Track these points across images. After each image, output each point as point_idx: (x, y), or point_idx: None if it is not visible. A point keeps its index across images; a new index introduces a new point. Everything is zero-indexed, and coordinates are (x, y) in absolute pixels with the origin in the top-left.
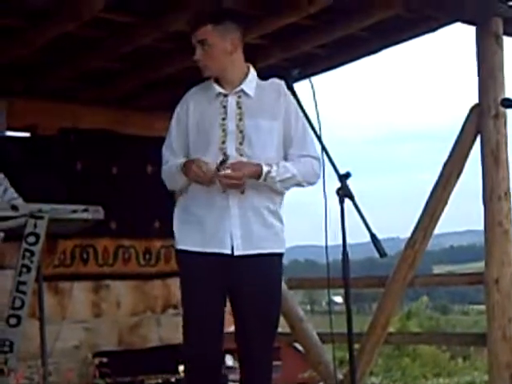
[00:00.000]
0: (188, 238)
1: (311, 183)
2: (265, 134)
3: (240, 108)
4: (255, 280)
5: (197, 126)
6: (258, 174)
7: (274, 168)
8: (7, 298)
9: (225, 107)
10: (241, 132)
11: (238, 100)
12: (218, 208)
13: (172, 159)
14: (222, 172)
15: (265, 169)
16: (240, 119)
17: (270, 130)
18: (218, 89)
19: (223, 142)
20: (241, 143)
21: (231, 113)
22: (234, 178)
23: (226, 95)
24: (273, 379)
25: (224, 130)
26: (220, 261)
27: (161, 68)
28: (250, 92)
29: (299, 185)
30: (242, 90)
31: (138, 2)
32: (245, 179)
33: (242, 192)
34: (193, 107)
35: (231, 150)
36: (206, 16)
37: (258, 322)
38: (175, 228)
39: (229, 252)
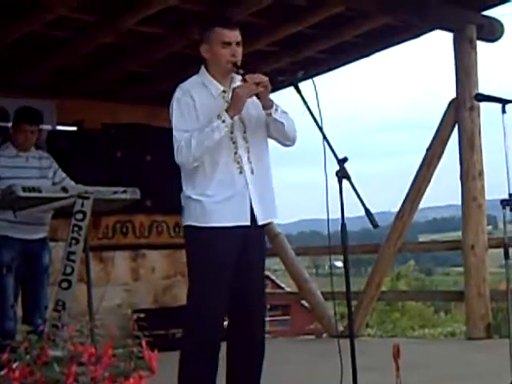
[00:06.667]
0: (218, 215)
1: (292, 135)
2: (257, 122)
3: None
4: (260, 244)
5: (206, 117)
6: (270, 102)
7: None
8: (60, 265)
9: (227, 102)
10: (242, 122)
11: None
12: (239, 187)
13: (195, 132)
14: (249, 77)
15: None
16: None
17: (258, 118)
18: (220, 86)
19: (232, 132)
20: (245, 132)
21: None
22: (260, 77)
23: (224, 91)
24: (284, 330)
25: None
26: (242, 232)
27: (187, 71)
28: None
29: (288, 131)
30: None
31: (167, 16)
32: (266, 90)
33: (253, 172)
34: (197, 99)
35: (239, 138)
36: (235, 21)
37: (260, 278)
38: (203, 208)
39: (249, 224)
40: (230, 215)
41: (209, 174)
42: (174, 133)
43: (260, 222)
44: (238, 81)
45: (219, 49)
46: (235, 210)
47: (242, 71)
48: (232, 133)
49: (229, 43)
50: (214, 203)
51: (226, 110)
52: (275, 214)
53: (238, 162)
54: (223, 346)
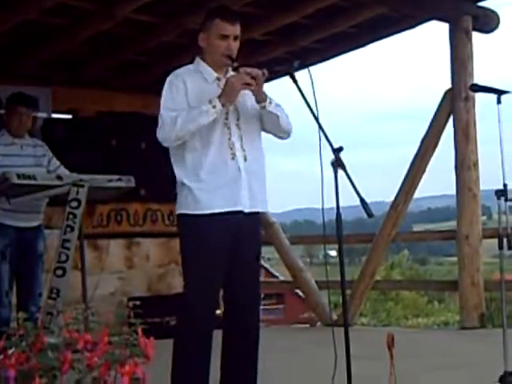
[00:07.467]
0: (209, 201)
1: (287, 127)
2: (251, 113)
3: None
4: (254, 233)
5: (197, 101)
6: (264, 95)
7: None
8: (54, 253)
9: (222, 88)
10: (236, 110)
11: None
12: (231, 172)
13: (183, 112)
14: (243, 70)
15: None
16: None
17: (252, 109)
18: (214, 73)
19: (226, 118)
20: (238, 119)
21: None
22: (253, 72)
23: (219, 78)
24: (278, 319)
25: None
26: (234, 219)
27: (180, 60)
28: None
29: (282, 123)
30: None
31: (162, 5)
32: (260, 84)
33: (246, 159)
34: (190, 84)
35: (232, 124)
36: (238, 15)
37: (254, 267)
38: (197, 194)
39: (241, 209)
40: (221, 201)
41: (201, 157)
42: (161, 111)
43: (247, 210)
44: (231, 73)
45: (216, 40)
46: (227, 196)
47: (236, 64)
48: (227, 119)
49: (226, 36)
50: (206, 189)
51: (219, 97)
52: (265, 204)
53: (231, 148)
54: (218, 334)
